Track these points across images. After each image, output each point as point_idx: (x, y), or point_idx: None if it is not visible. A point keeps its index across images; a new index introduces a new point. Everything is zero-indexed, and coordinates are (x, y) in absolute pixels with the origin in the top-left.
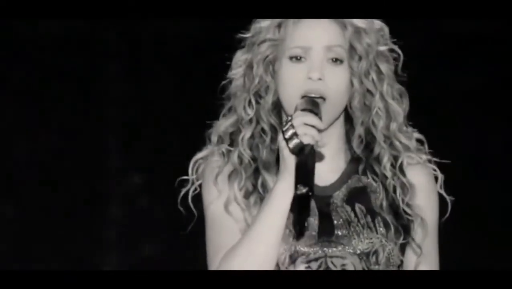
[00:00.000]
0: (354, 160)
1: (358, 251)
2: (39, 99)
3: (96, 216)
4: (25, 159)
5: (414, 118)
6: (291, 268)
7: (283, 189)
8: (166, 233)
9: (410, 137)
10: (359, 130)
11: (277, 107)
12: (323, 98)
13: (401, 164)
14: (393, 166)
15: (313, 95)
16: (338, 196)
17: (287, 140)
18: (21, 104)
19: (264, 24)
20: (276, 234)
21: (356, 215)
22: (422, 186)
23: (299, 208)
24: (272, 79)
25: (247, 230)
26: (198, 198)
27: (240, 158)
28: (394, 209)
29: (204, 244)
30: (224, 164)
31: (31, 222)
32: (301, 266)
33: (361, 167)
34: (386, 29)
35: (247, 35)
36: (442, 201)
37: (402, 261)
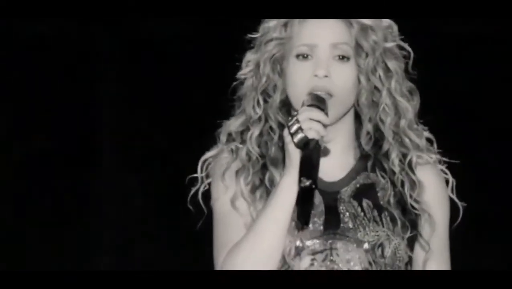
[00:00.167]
0: (363, 157)
1: (364, 244)
2: (33, 99)
3: (90, 216)
4: (19, 159)
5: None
6: (297, 260)
7: (288, 184)
8: (160, 233)
9: (420, 135)
10: (367, 126)
11: (286, 105)
12: (330, 95)
13: (410, 161)
14: (401, 162)
15: (319, 93)
16: (346, 192)
17: (292, 135)
18: (14, 103)
19: (271, 23)
20: (281, 227)
21: (362, 210)
22: (431, 184)
23: (302, 200)
24: (279, 77)
25: (252, 224)
26: (206, 196)
27: (248, 155)
28: (402, 204)
29: (200, 243)
30: (232, 160)
31: (25, 222)
32: (306, 258)
33: (369, 164)
34: (395, 27)
35: (256, 35)
36: (454, 207)
37: (410, 258)
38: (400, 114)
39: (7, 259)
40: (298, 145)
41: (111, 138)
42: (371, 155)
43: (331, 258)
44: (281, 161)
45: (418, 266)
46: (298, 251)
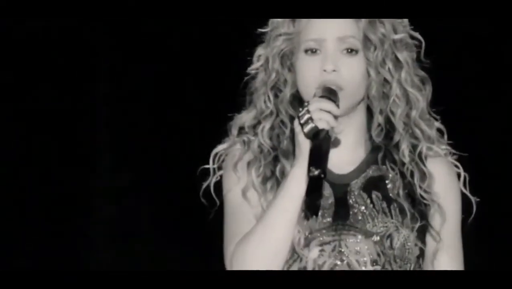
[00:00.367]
0: (374, 150)
1: (372, 235)
2: (29, 97)
3: (85, 215)
4: (15, 157)
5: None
6: (306, 251)
7: (297, 174)
8: (154, 232)
9: (431, 126)
10: (378, 119)
11: (296, 99)
12: (340, 89)
13: (420, 152)
14: (411, 153)
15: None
16: (356, 184)
17: (302, 125)
18: (10, 101)
19: (279, 18)
20: (291, 218)
21: (372, 202)
22: (441, 176)
23: (311, 190)
24: (289, 72)
25: (262, 214)
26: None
27: (260, 147)
28: (411, 196)
29: (196, 243)
30: (244, 152)
31: (20, 221)
32: (315, 249)
33: (380, 155)
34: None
35: (266, 29)
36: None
37: (422, 251)
38: (411, 105)
39: (0, 258)
40: (308, 135)
41: (106, 137)
42: (382, 146)
43: (340, 249)
44: (292, 153)
45: (428, 258)
46: (307, 242)
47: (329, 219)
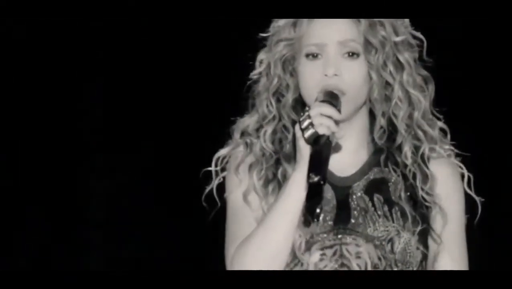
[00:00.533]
0: (376, 152)
1: (373, 239)
2: (20, 98)
3: (78, 216)
4: (6, 159)
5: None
6: (307, 255)
7: (298, 179)
8: (149, 233)
9: (433, 126)
10: (381, 121)
11: (299, 103)
12: (342, 93)
13: (423, 154)
14: (414, 154)
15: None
16: (358, 186)
17: (303, 130)
18: (5, 102)
19: (280, 23)
20: (291, 222)
21: (373, 205)
22: (444, 178)
23: (311, 195)
24: (291, 77)
25: (263, 218)
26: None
27: (262, 150)
28: (413, 198)
29: (193, 243)
30: (246, 154)
31: (15, 222)
32: (316, 253)
33: (382, 158)
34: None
35: (268, 34)
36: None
37: (424, 255)
38: (413, 106)
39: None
40: (308, 140)
41: (100, 138)
42: (384, 149)
43: (341, 253)
44: (294, 157)
45: (431, 260)
46: (308, 246)
47: (330, 223)
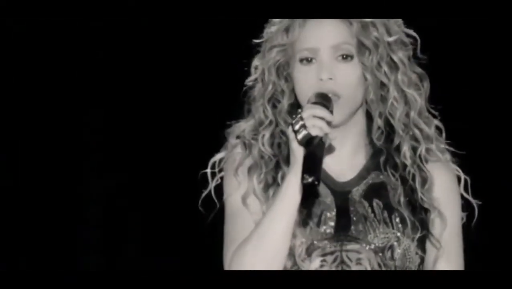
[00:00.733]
0: (375, 154)
1: (373, 246)
2: (20, 98)
3: (75, 217)
4: (6, 159)
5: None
6: (307, 261)
7: (292, 181)
8: (145, 234)
9: (429, 124)
10: (378, 122)
11: (295, 108)
12: (338, 97)
13: (421, 155)
14: (412, 155)
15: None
16: (357, 191)
17: (295, 132)
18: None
19: (273, 29)
20: (287, 222)
21: (373, 211)
22: (441, 181)
23: (306, 196)
24: (286, 82)
25: (259, 221)
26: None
27: (261, 154)
28: (412, 203)
29: (190, 243)
30: (245, 156)
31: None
32: (316, 260)
33: (381, 160)
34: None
35: (261, 40)
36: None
37: (422, 259)
38: (409, 105)
39: None
40: (301, 142)
41: (96, 139)
42: (383, 150)
43: (341, 259)
44: None
45: (429, 265)
46: (309, 253)
47: (331, 230)
